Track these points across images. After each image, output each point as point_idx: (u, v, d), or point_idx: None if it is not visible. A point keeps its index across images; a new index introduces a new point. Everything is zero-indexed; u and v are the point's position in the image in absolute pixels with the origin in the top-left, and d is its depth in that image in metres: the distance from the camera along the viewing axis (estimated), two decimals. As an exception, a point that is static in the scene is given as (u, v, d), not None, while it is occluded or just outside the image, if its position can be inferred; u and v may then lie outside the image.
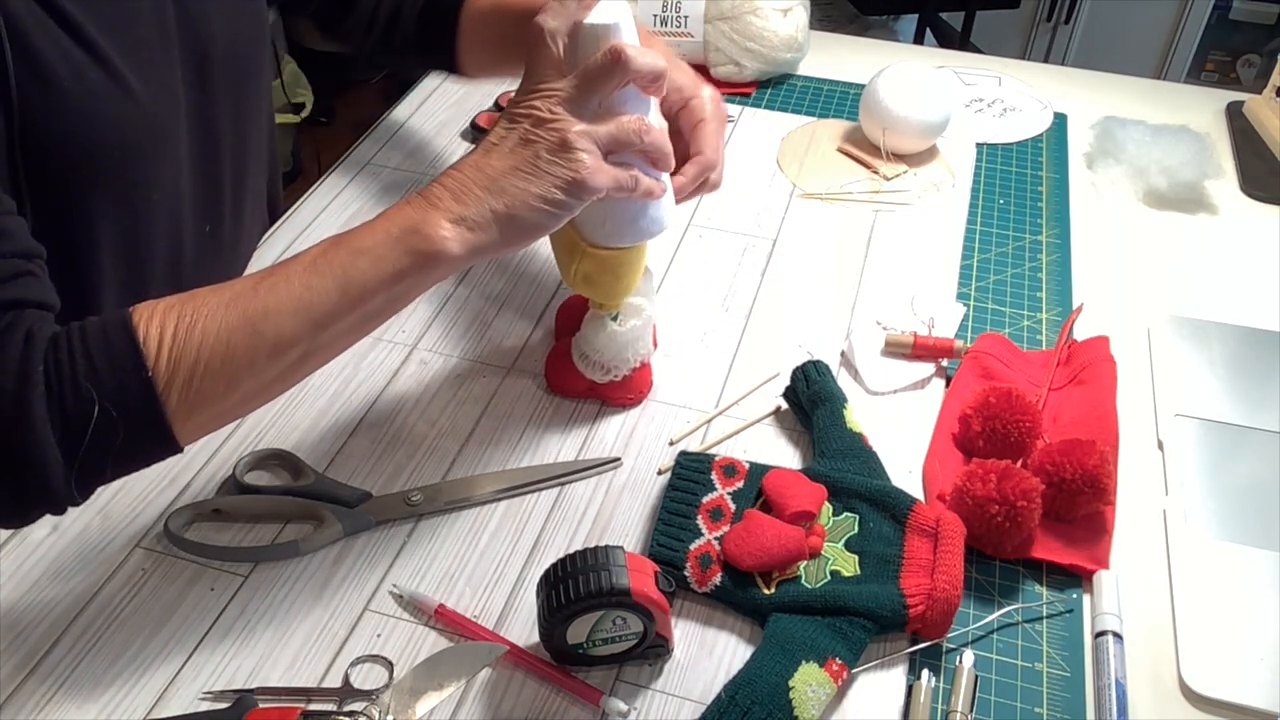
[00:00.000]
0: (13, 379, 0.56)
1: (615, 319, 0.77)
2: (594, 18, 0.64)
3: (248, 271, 0.93)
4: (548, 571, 0.62)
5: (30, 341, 0.57)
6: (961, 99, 1.18)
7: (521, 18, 0.86)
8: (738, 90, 1.20)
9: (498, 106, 1.14)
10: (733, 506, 0.71)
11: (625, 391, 0.80)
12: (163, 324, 0.58)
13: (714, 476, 0.73)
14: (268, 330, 0.59)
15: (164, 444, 0.60)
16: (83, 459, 0.57)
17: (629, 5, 0.66)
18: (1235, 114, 1.18)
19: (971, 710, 0.62)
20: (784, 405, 0.81)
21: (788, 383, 0.80)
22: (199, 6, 0.78)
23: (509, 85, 1.19)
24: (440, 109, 1.16)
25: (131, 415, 0.57)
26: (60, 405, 0.56)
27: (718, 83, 1.20)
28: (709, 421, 0.80)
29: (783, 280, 0.94)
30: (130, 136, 0.71)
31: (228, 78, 0.82)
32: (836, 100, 1.19)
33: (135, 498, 0.73)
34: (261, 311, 0.59)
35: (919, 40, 2.51)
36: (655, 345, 0.85)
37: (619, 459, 0.77)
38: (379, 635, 0.66)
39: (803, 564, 0.67)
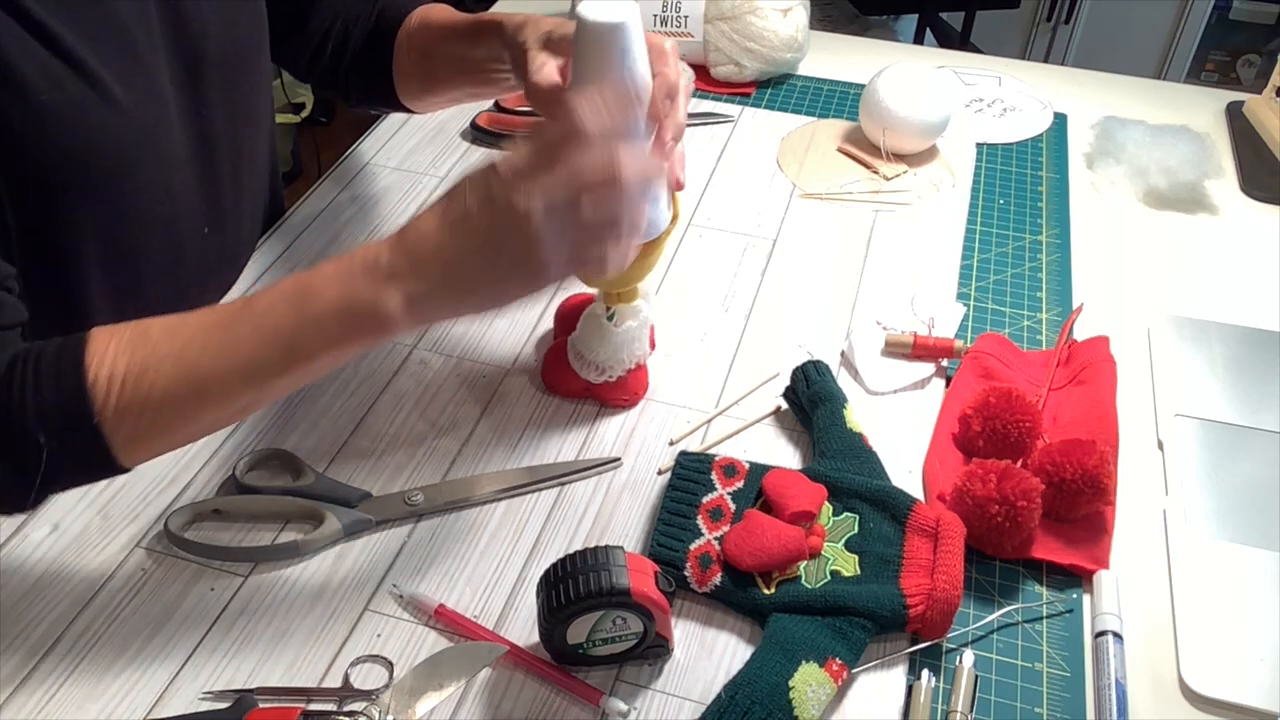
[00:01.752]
0: None
1: (611, 319, 0.77)
2: (601, 15, 0.63)
3: (247, 272, 0.93)
4: (548, 571, 0.62)
5: None
6: (961, 99, 1.18)
7: (441, 37, 0.86)
8: (738, 90, 1.20)
9: (498, 107, 1.14)
10: (733, 506, 0.71)
11: (621, 393, 0.80)
12: (113, 369, 0.59)
13: (714, 476, 0.73)
14: (213, 391, 0.61)
15: (110, 472, 0.62)
16: (32, 486, 0.60)
17: (637, 5, 0.64)
18: (1235, 114, 1.18)
19: (971, 710, 0.62)
20: (784, 405, 0.81)
21: (788, 383, 0.80)
22: (194, 7, 0.77)
23: (509, 85, 1.19)
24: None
25: (78, 453, 0.60)
26: (9, 443, 0.58)
27: (718, 83, 1.20)
28: (709, 421, 0.80)
29: (783, 280, 0.94)
30: (114, 145, 0.71)
31: (223, 78, 0.81)
32: (836, 100, 1.19)
33: (135, 498, 0.73)
34: (208, 374, 0.60)
35: (919, 40, 2.51)
36: (653, 347, 0.85)
37: (619, 459, 0.77)
38: (379, 635, 0.66)
39: (803, 564, 0.68)
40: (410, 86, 0.92)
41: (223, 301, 0.86)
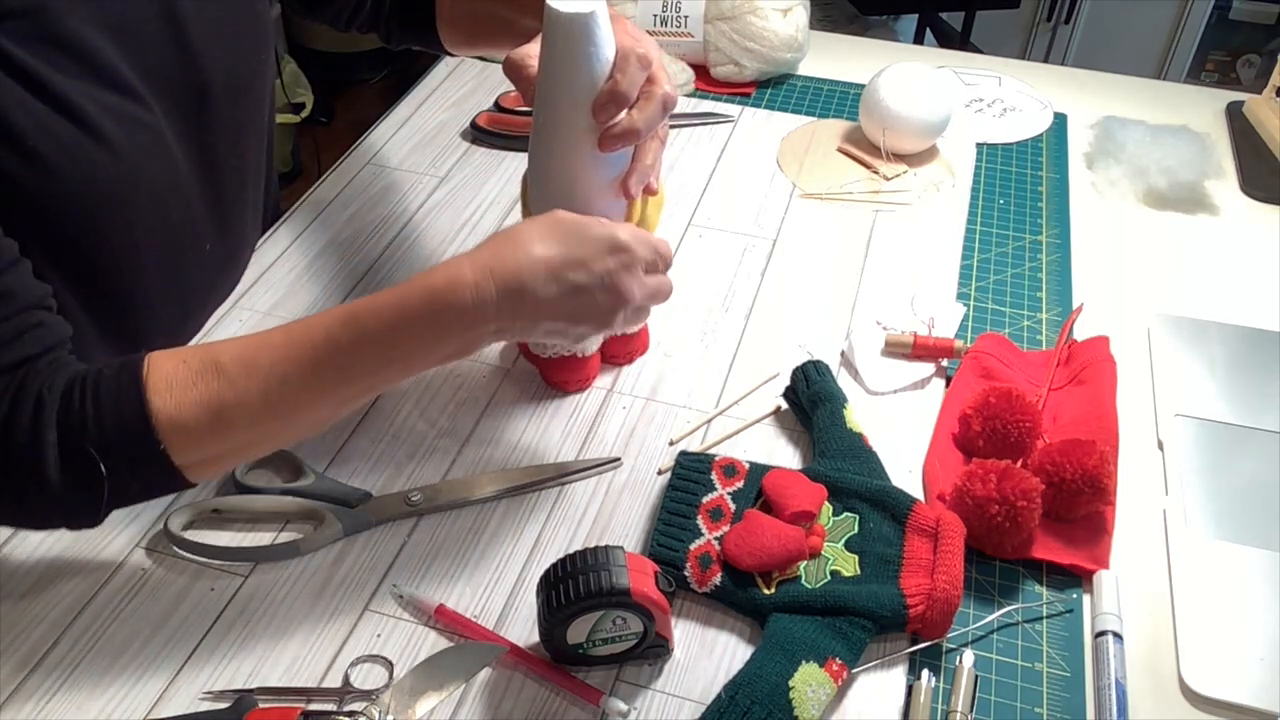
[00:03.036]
0: (28, 449, 0.58)
1: None
2: (570, 6, 0.63)
3: (246, 273, 0.93)
4: (548, 571, 0.62)
5: (40, 406, 0.59)
6: (961, 99, 1.18)
7: None
8: (738, 90, 1.20)
9: (498, 106, 1.14)
10: (733, 506, 0.71)
11: (556, 372, 0.81)
12: (180, 403, 0.59)
13: (714, 476, 0.73)
14: (295, 423, 0.63)
15: (180, 488, 0.63)
16: (100, 505, 0.61)
17: None
18: (1235, 114, 1.18)
19: (971, 710, 0.62)
20: (784, 405, 0.81)
21: (788, 383, 0.80)
22: (200, 41, 0.76)
23: (511, 86, 1.19)
24: (440, 109, 1.16)
25: (148, 479, 0.61)
26: (79, 470, 0.58)
27: (718, 83, 1.20)
28: (709, 421, 0.80)
29: (783, 280, 0.94)
30: (105, 186, 0.70)
31: (228, 102, 0.81)
32: (836, 100, 1.19)
33: (135, 498, 0.73)
34: (293, 407, 0.62)
35: (919, 40, 2.51)
36: (644, 349, 0.86)
37: (619, 459, 0.77)
38: (379, 635, 0.66)
39: (803, 564, 0.67)
40: (455, 36, 0.92)
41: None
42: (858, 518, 0.70)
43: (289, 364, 0.61)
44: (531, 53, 0.69)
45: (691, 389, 0.83)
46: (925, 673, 0.63)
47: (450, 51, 0.94)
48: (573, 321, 0.65)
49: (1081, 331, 0.86)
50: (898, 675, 0.65)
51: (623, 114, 0.66)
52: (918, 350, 0.84)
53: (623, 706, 0.62)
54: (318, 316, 0.63)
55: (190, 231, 0.81)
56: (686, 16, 1.18)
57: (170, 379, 0.60)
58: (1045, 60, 2.67)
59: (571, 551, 0.61)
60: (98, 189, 0.69)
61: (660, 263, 0.68)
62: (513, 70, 0.71)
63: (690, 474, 0.73)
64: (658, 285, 0.68)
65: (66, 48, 0.67)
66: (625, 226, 0.66)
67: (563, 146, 0.68)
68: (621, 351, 0.84)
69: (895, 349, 0.85)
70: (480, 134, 1.11)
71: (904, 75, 1.05)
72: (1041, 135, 1.14)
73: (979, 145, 1.12)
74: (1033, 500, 0.68)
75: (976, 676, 0.64)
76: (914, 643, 0.65)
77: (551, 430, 0.79)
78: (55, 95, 0.66)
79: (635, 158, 0.71)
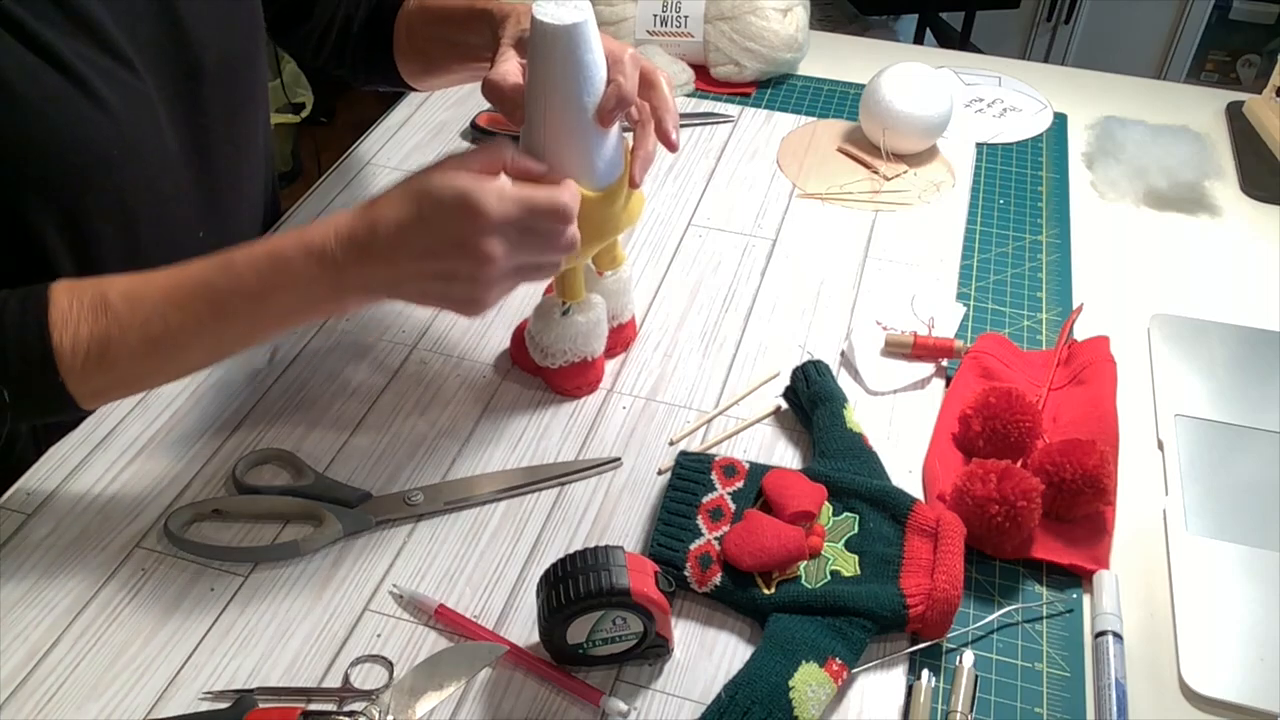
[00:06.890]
0: None
1: (567, 313, 0.78)
2: (555, 18, 0.63)
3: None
4: (548, 571, 0.62)
5: None
6: (961, 99, 1.18)
7: (437, 21, 0.87)
8: (738, 90, 1.20)
9: (498, 106, 1.14)
10: (733, 506, 0.71)
11: (564, 381, 0.81)
12: (76, 334, 0.63)
13: (714, 476, 0.73)
14: (176, 361, 0.67)
15: (73, 414, 0.68)
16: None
17: (591, 6, 0.64)
18: (1235, 114, 1.18)
19: (971, 710, 0.62)
20: (784, 405, 0.81)
21: (788, 383, 0.80)
22: (192, 19, 0.77)
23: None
24: (440, 109, 1.16)
25: (44, 404, 0.65)
26: None
27: (718, 83, 1.20)
28: (709, 421, 0.80)
29: (783, 280, 0.94)
30: (96, 142, 0.70)
31: (221, 85, 0.81)
32: (836, 100, 1.19)
33: (135, 498, 0.73)
34: (171, 348, 0.65)
35: (919, 40, 2.51)
36: (625, 346, 0.86)
37: (619, 459, 0.77)
38: (379, 635, 0.66)
39: (803, 564, 0.67)
40: (411, 68, 0.92)
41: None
42: (858, 518, 0.70)
43: (169, 305, 0.64)
44: (509, 70, 0.69)
45: (691, 389, 0.83)
46: (925, 673, 0.63)
47: (413, 86, 0.96)
48: (441, 281, 0.63)
49: (1081, 331, 0.86)
50: (898, 675, 0.65)
51: (633, 108, 0.68)
52: (918, 350, 0.84)
53: (623, 706, 0.62)
54: (200, 261, 0.65)
55: (182, 212, 0.81)
56: (686, 16, 1.18)
57: (65, 314, 0.63)
58: (1045, 60, 2.67)
59: (571, 551, 0.61)
60: (86, 143, 0.70)
61: (542, 219, 0.63)
62: (493, 91, 0.69)
63: (690, 474, 0.73)
64: (543, 242, 0.64)
65: (62, 5, 0.67)
66: (489, 187, 0.61)
67: (566, 157, 0.68)
68: (618, 341, 0.84)
69: (895, 349, 0.85)
70: (480, 134, 1.11)
71: (904, 75, 1.05)
72: (1041, 135, 1.14)
73: (979, 145, 1.12)
74: (1033, 500, 0.68)
75: (976, 676, 0.64)
76: (914, 643, 0.65)
77: (551, 430, 0.79)
78: (44, 46, 0.66)
79: (637, 144, 0.71)
